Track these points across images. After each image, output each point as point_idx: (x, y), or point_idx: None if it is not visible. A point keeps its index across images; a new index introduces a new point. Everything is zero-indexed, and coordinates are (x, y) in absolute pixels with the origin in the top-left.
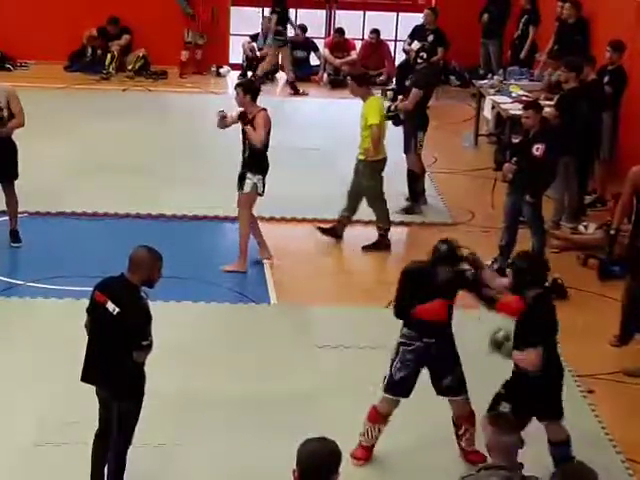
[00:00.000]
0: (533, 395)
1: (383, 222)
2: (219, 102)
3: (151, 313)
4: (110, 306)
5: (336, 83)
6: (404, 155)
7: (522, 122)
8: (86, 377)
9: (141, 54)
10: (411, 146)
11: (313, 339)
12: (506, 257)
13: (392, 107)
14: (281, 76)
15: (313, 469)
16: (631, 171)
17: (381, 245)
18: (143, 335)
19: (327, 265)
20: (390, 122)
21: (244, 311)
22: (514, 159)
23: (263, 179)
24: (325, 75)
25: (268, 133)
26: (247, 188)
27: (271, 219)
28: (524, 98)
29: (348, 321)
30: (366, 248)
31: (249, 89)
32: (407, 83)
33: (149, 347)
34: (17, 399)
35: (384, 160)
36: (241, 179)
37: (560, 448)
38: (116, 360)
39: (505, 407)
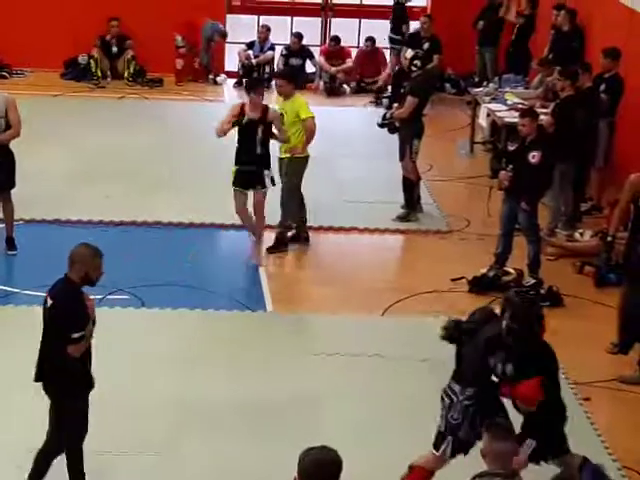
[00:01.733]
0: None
1: (290, 219)
2: (216, 110)
3: (86, 309)
4: (48, 301)
5: (332, 91)
6: (400, 163)
7: (518, 129)
8: (35, 376)
9: (129, 56)
10: (406, 153)
11: (309, 347)
12: (501, 265)
13: (387, 115)
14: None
15: (315, 477)
16: (630, 178)
17: (281, 244)
18: (73, 327)
19: (324, 273)
20: (386, 130)
21: (240, 319)
22: (510, 167)
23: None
24: (321, 83)
25: None
26: (268, 184)
27: (267, 226)
28: (519, 106)
29: (344, 329)
30: (270, 250)
31: (293, 78)
32: (402, 91)
33: (79, 340)
34: (13, 405)
35: (308, 158)
36: (258, 177)
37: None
38: (52, 355)
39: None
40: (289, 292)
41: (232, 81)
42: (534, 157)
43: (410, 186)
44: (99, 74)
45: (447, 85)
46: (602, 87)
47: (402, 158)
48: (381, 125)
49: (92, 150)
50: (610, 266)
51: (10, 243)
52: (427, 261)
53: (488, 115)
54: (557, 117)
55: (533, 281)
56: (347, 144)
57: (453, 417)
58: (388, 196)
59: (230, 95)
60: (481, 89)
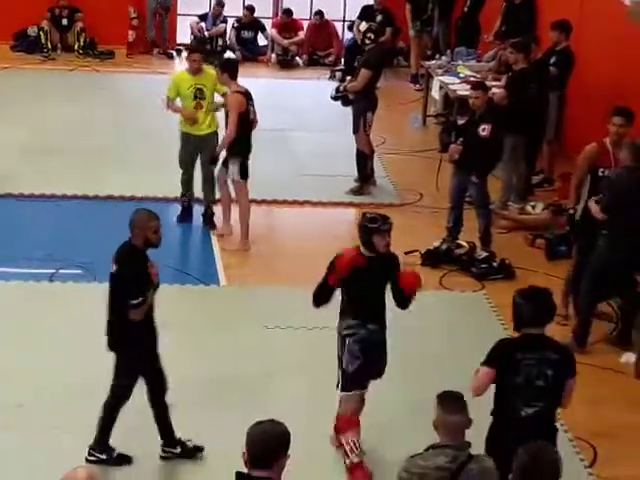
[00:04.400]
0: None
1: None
2: (167, 83)
3: (148, 275)
4: (112, 265)
5: (284, 64)
6: (353, 135)
7: (470, 102)
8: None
9: (79, 28)
10: (360, 126)
11: (262, 320)
12: (454, 238)
13: (341, 87)
14: (229, 55)
15: (262, 450)
16: (585, 149)
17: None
18: (132, 293)
19: (277, 246)
20: (339, 102)
21: (193, 293)
22: (460, 140)
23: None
24: (273, 56)
25: (243, 113)
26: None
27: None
28: (472, 79)
29: (297, 302)
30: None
31: (226, 67)
32: (356, 64)
33: (139, 305)
34: None
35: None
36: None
37: None
38: (114, 318)
39: None
40: (242, 266)
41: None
42: (484, 130)
43: (363, 159)
44: (49, 46)
45: (400, 58)
46: (552, 60)
47: (356, 131)
48: (334, 98)
49: (43, 123)
50: (574, 238)
51: None
52: None
53: (441, 88)
54: (510, 90)
55: (485, 254)
56: (301, 117)
57: (338, 352)
58: (341, 169)
59: (182, 67)
60: (434, 62)
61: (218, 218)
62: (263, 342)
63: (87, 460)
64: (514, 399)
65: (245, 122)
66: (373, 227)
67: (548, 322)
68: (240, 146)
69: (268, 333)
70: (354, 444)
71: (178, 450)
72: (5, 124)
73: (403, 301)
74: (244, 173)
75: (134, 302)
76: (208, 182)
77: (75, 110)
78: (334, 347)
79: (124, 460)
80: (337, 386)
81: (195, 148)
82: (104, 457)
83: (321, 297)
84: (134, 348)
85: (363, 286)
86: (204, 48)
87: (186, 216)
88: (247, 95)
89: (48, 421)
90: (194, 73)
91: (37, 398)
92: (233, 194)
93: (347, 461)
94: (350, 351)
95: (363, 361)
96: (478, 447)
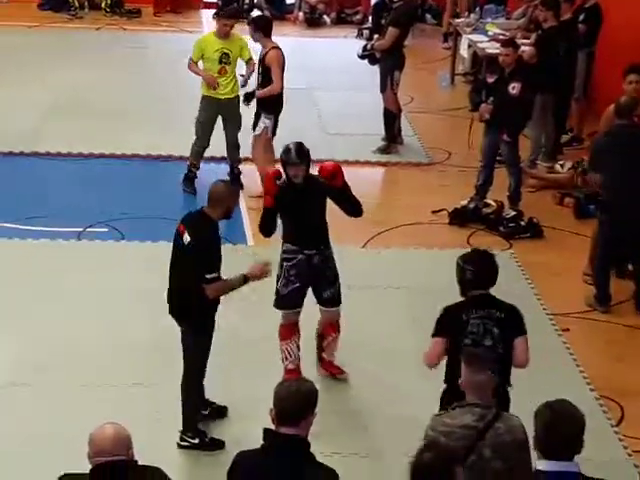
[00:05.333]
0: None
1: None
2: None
3: (220, 251)
4: (185, 237)
5: (312, 22)
6: (380, 94)
7: (499, 60)
8: (170, 310)
9: None
10: (387, 85)
11: None
12: (482, 197)
13: (368, 46)
14: (257, 13)
15: (290, 408)
16: (608, 110)
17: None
18: (208, 267)
19: None
20: (366, 61)
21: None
22: (490, 99)
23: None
24: (300, 14)
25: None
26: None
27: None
28: (500, 37)
29: None
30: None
31: (259, 24)
32: (383, 22)
33: (213, 280)
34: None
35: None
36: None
37: None
38: (186, 291)
39: None
40: None
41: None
42: (514, 88)
43: (391, 118)
44: (76, 4)
45: (428, 16)
46: (581, 17)
47: (383, 90)
48: (362, 57)
49: (69, 83)
50: (590, 196)
51: None
52: (407, 194)
53: (469, 46)
54: (539, 48)
55: (513, 213)
56: (328, 76)
57: (277, 272)
58: (369, 128)
59: (209, 26)
60: (462, 20)
61: (244, 177)
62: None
63: (179, 445)
64: None
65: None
66: (282, 159)
67: (491, 285)
68: (277, 103)
69: None
70: (289, 352)
71: (196, 441)
72: (31, 84)
73: (350, 206)
74: (275, 130)
75: (209, 277)
76: (233, 145)
77: (101, 69)
78: (359, 305)
79: (217, 444)
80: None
81: (216, 113)
82: (196, 441)
83: (264, 224)
84: (204, 318)
85: (295, 211)
86: (236, 12)
87: (190, 185)
88: (282, 51)
89: (76, 379)
90: (223, 37)
91: (66, 356)
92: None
93: (284, 365)
94: (285, 275)
95: (299, 285)
96: None
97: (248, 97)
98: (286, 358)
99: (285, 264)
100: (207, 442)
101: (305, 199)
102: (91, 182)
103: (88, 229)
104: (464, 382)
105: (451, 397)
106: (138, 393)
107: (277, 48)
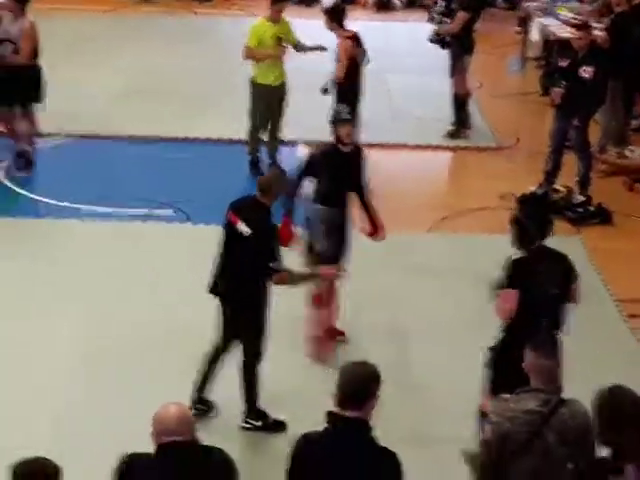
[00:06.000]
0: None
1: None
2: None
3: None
4: (241, 227)
5: (382, 5)
6: (450, 79)
7: (572, 44)
8: (214, 289)
9: None
10: (457, 69)
11: (351, 262)
12: (551, 182)
13: (439, 30)
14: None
15: (354, 391)
16: None
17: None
18: (271, 256)
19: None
20: (437, 45)
21: None
22: (562, 83)
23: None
24: None
25: (352, 58)
26: None
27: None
28: (572, 20)
29: (390, 245)
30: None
31: (335, 14)
32: (453, 5)
33: (278, 270)
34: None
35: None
36: None
37: None
38: (243, 279)
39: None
40: None
41: None
42: (586, 71)
43: (460, 102)
44: None
45: (499, 0)
46: None
47: (452, 74)
48: (432, 41)
49: (141, 67)
50: None
51: (23, 160)
52: (475, 178)
53: (540, 30)
54: (612, 33)
55: (582, 198)
56: (398, 60)
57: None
58: (438, 112)
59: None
60: (534, 3)
61: None
62: (350, 285)
63: (243, 428)
64: (534, 311)
65: (352, 68)
66: (334, 118)
67: (549, 235)
68: (348, 92)
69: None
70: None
71: (260, 423)
72: (103, 68)
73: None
74: None
75: (274, 265)
76: (274, 135)
77: (172, 53)
78: (426, 290)
79: (280, 426)
80: None
81: (270, 99)
82: (259, 424)
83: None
84: (263, 305)
85: (341, 174)
86: None
87: (255, 169)
88: (356, 39)
89: (142, 361)
90: (277, 21)
91: (133, 338)
92: None
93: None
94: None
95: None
96: None
97: (326, 91)
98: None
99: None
100: (270, 424)
101: (351, 164)
102: (156, 165)
103: (155, 210)
104: (529, 365)
105: (517, 345)
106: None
107: (348, 37)
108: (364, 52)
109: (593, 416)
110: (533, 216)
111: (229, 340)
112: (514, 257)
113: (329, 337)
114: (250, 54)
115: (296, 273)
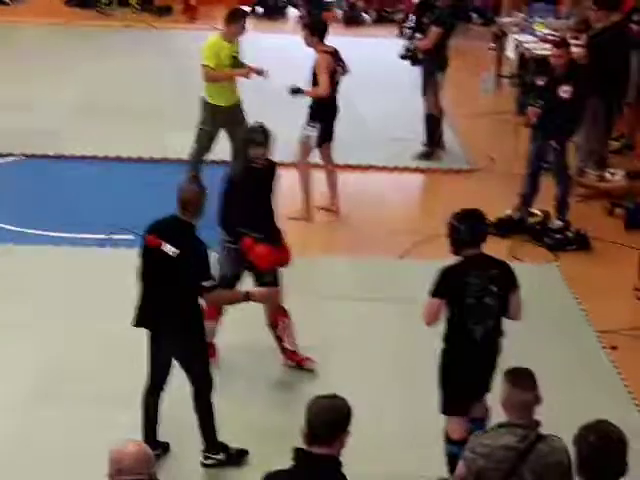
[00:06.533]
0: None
1: None
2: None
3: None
4: (167, 248)
5: (351, 20)
6: (422, 97)
7: (551, 62)
8: (141, 322)
9: None
10: (429, 88)
11: (320, 291)
12: (527, 206)
13: (410, 46)
14: (293, 11)
15: (323, 426)
16: None
17: None
18: (204, 275)
19: (341, 216)
20: (408, 62)
21: None
22: (539, 102)
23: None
24: (339, 12)
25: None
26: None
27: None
28: (550, 37)
29: (359, 272)
30: None
31: (316, 29)
32: (426, 20)
33: (212, 288)
34: (17, 347)
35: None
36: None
37: (479, 425)
38: (175, 305)
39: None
40: (301, 234)
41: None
42: (565, 92)
43: (433, 122)
44: (104, 1)
45: (473, 15)
46: (635, 17)
47: (425, 92)
48: (403, 57)
49: (97, 82)
50: None
51: None
52: (449, 202)
53: (516, 47)
54: (590, 50)
55: (560, 223)
56: (367, 77)
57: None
58: (409, 133)
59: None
60: (509, 19)
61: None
62: (320, 313)
63: (205, 465)
64: (467, 321)
65: (331, 84)
66: (246, 138)
67: (483, 242)
68: (323, 110)
69: (325, 304)
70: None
71: (222, 456)
72: (56, 82)
73: None
74: (323, 139)
75: (207, 284)
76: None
77: (129, 69)
78: (397, 319)
79: (243, 455)
80: None
81: (224, 121)
82: (222, 457)
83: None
84: (203, 328)
85: (254, 194)
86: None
87: None
88: (335, 55)
89: (90, 391)
90: (233, 40)
91: (85, 366)
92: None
93: None
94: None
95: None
96: None
97: (295, 91)
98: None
99: (226, 245)
100: (233, 455)
101: (265, 183)
102: (117, 187)
103: (112, 236)
104: (506, 401)
105: (451, 357)
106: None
107: (327, 52)
108: (343, 68)
109: (574, 453)
110: (465, 221)
111: (165, 375)
112: (446, 265)
113: (295, 362)
114: (214, 76)
115: (228, 293)
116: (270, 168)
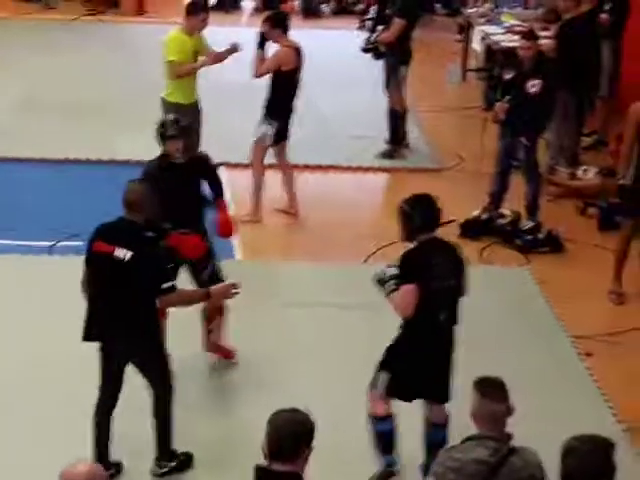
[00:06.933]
0: (412, 365)
1: None
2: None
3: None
4: (119, 253)
5: (309, 12)
6: (385, 92)
7: (518, 54)
8: (91, 335)
9: None
10: (392, 82)
11: (281, 297)
12: (496, 206)
13: (372, 38)
14: (246, 3)
15: (284, 442)
16: (631, 108)
17: None
18: (163, 278)
19: (299, 217)
20: (370, 55)
21: None
22: (507, 97)
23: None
24: (296, 3)
25: (285, 73)
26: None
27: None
28: (518, 28)
29: (321, 278)
30: None
31: (278, 22)
32: (388, 12)
33: (169, 291)
34: None
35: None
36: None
37: (439, 430)
38: (132, 311)
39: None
40: (260, 239)
41: None
42: (534, 86)
43: (396, 118)
44: None
45: (437, 5)
46: (606, 7)
47: (387, 87)
48: (365, 50)
49: (43, 79)
50: (616, 206)
51: None
52: None
53: (483, 39)
54: (560, 41)
55: (531, 224)
56: (326, 72)
57: None
58: (371, 130)
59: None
60: (475, 9)
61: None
62: (281, 321)
63: (159, 475)
64: (432, 304)
65: (288, 82)
66: (160, 132)
67: (437, 227)
68: (280, 108)
69: (287, 311)
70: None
71: (174, 463)
72: (0, 79)
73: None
74: (279, 138)
75: (165, 286)
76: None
77: (77, 64)
78: (362, 326)
79: (190, 459)
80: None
81: (189, 119)
82: (174, 464)
83: None
84: (161, 333)
85: (173, 191)
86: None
87: None
88: (298, 52)
89: (44, 401)
90: (192, 34)
91: (31, 376)
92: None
93: None
94: None
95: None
96: None
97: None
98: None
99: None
100: (183, 461)
101: (186, 178)
102: (65, 191)
103: (61, 243)
104: (476, 413)
105: (411, 342)
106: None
107: (290, 47)
108: (301, 65)
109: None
110: (418, 206)
111: (117, 390)
112: (404, 251)
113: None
114: (180, 71)
115: (186, 293)
116: (195, 163)
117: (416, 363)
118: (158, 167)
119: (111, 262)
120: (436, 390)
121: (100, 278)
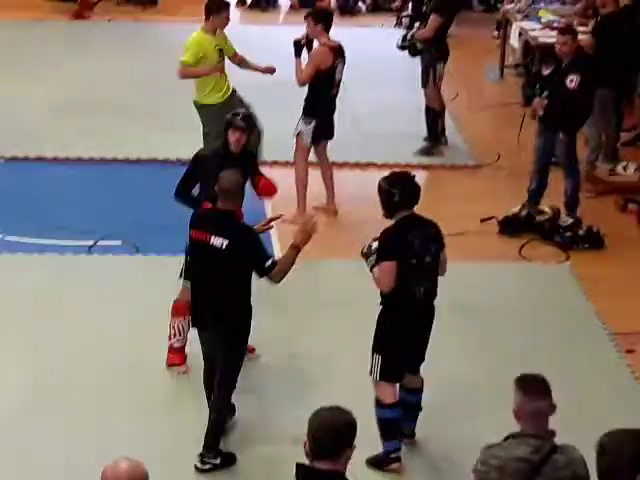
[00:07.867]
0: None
1: None
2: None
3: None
4: (215, 240)
5: (345, 10)
6: (422, 90)
7: (556, 50)
8: (198, 323)
9: None
10: (429, 79)
11: (321, 296)
12: (535, 203)
13: (408, 36)
14: (283, 2)
15: (327, 441)
16: None
17: None
18: (263, 258)
19: (338, 215)
20: (406, 52)
21: None
22: (545, 93)
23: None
24: (333, 1)
25: (324, 72)
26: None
27: (287, 163)
28: (555, 24)
29: (360, 275)
30: None
31: (321, 18)
32: (425, 9)
33: (273, 267)
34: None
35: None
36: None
37: (416, 394)
38: (229, 296)
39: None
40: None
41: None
42: (572, 81)
43: (433, 116)
44: None
45: (475, 2)
46: None
47: (425, 84)
48: (401, 47)
49: (79, 80)
50: None
51: None
52: (453, 200)
53: (520, 35)
54: (598, 36)
55: (571, 220)
56: (363, 69)
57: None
58: (409, 127)
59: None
60: (512, 6)
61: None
62: (319, 319)
63: (201, 470)
64: (410, 280)
65: (326, 81)
66: (227, 120)
67: (416, 203)
68: (317, 106)
69: (327, 309)
70: (179, 330)
71: (217, 461)
72: (36, 80)
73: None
74: (318, 136)
75: (268, 264)
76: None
77: (112, 65)
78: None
79: (233, 460)
80: None
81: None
82: (218, 462)
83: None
84: (248, 327)
85: None
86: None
87: None
88: (337, 51)
89: (87, 405)
90: (214, 33)
91: (73, 377)
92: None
93: (170, 343)
94: None
95: None
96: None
97: (296, 44)
98: (174, 335)
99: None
100: (226, 460)
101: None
102: (102, 191)
103: (100, 242)
104: (519, 411)
105: (391, 320)
106: (148, 418)
107: (328, 46)
108: (342, 68)
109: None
110: (398, 184)
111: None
112: (385, 228)
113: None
114: (187, 73)
115: (284, 259)
116: (246, 158)
117: (399, 339)
118: (215, 152)
119: (206, 251)
120: (417, 362)
121: (199, 267)
